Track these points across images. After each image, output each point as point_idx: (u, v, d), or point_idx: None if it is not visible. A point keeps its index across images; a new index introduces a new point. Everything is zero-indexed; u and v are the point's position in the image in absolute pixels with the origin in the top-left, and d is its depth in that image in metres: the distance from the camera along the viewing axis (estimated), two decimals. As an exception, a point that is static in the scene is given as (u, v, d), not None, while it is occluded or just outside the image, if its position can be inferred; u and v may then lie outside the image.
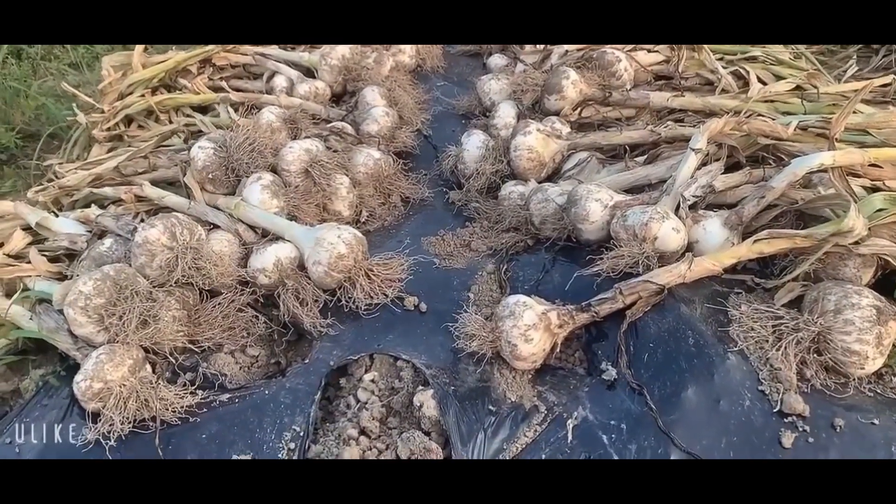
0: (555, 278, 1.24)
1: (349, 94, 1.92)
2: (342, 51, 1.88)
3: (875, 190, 1.19)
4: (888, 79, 1.75)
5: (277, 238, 1.29)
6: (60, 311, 1.14)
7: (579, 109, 1.65)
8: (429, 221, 1.50)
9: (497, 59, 2.13)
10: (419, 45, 2.14)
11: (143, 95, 1.94)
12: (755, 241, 1.11)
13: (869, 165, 1.22)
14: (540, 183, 1.49)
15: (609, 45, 1.78)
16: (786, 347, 1.02)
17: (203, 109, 1.92)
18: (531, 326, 1.05)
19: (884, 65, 2.39)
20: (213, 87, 1.98)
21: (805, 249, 1.10)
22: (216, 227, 1.33)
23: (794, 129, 1.27)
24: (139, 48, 2.03)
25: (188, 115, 1.88)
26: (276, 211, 1.34)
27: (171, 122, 1.88)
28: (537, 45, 1.98)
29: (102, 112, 1.97)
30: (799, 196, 1.18)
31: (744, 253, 1.11)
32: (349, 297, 1.21)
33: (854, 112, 1.36)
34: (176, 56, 1.98)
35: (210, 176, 1.37)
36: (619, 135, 1.49)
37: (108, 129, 1.87)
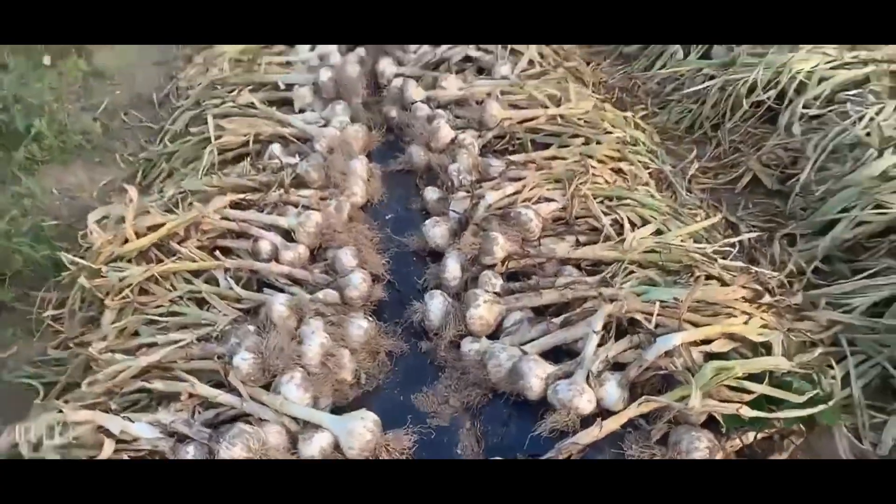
0: (512, 432, 1.83)
1: (321, 248, 2.35)
2: (316, 218, 2.31)
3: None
4: (716, 218, 2.46)
5: (316, 426, 1.78)
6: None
7: (506, 263, 2.22)
8: (411, 375, 2.03)
9: (431, 193, 2.62)
10: (367, 184, 2.59)
11: (140, 263, 2.27)
12: (639, 405, 1.75)
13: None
14: (488, 336, 2.06)
15: (522, 204, 2.34)
16: (659, 479, 1.69)
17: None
18: (508, 487, 1.65)
19: (716, 154, 3.11)
20: (201, 246, 2.34)
21: (669, 406, 1.76)
22: (263, 420, 1.79)
23: (658, 309, 1.91)
24: (130, 217, 2.32)
25: (187, 281, 2.25)
26: (308, 402, 1.82)
27: (173, 287, 2.23)
28: (467, 190, 2.50)
29: (98, 272, 2.27)
30: (664, 363, 1.83)
31: (633, 413, 1.75)
32: (376, 467, 1.74)
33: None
34: (168, 224, 2.30)
35: (252, 379, 1.82)
36: (539, 298, 2.08)
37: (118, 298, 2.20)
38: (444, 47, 3.31)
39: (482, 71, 3.24)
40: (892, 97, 2.73)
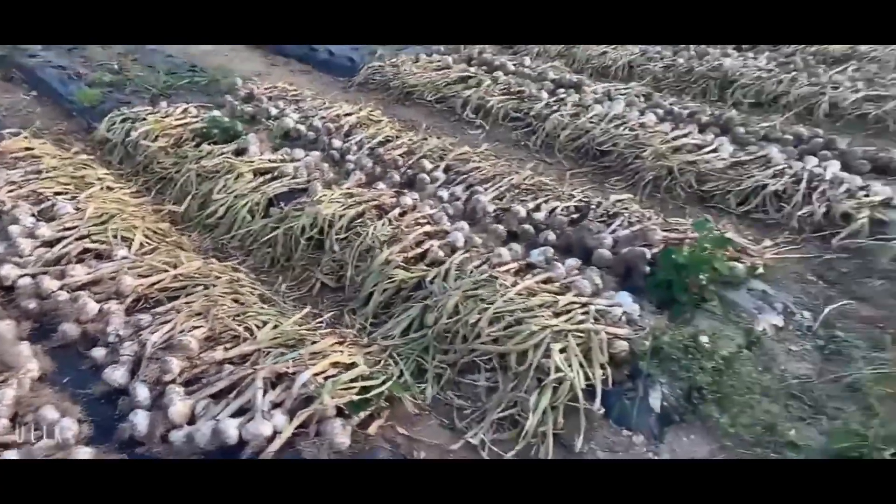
0: (228, 467, 2.74)
1: (20, 417, 2.83)
2: (10, 392, 2.80)
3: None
4: (306, 310, 3.85)
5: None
6: None
7: (182, 375, 3.13)
8: None
9: (98, 352, 3.31)
10: (37, 360, 3.13)
11: None
12: (298, 418, 2.89)
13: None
14: (188, 423, 2.91)
15: (179, 334, 3.28)
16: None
17: None
18: None
19: (294, 276, 4.57)
20: None
21: (315, 411, 2.95)
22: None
23: (291, 363, 3.12)
24: None
25: None
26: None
27: None
28: (131, 339, 3.29)
29: None
30: (305, 391, 3.02)
31: (296, 423, 2.88)
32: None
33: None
34: None
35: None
36: (214, 387, 3.06)
37: None
38: (59, 246, 4.01)
39: (101, 256, 4.05)
40: (379, 219, 4.62)
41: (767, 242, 4.39)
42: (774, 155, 5.13)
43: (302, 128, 6.31)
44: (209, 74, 7.75)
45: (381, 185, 5.21)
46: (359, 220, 4.65)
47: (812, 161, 5.03)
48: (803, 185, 4.73)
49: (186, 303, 3.63)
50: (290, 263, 4.57)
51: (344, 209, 4.75)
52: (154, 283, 3.78)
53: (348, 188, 5.13)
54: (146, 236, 4.33)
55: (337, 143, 6.05)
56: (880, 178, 4.93)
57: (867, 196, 4.59)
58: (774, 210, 4.75)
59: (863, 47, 7.62)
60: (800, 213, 4.58)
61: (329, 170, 5.54)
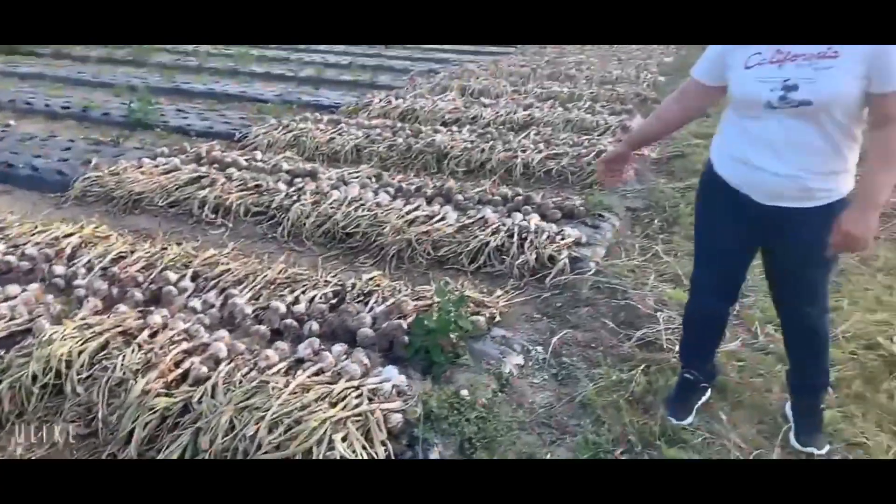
0: None
1: None
2: None
3: None
4: None
5: None
6: None
7: None
8: None
9: None
10: None
11: None
12: None
13: None
14: None
15: None
16: None
17: None
18: None
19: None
20: None
21: None
22: None
23: None
24: None
25: None
26: None
27: None
28: None
29: None
30: None
31: None
32: None
33: None
34: None
35: None
36: None
37: None
38: None
39: None
40: (127, 346, 4.32)
41: (499, 292, 5.09)
42: (489, 215, 6.00)
43: (12, 259, 5.60)
44: None
45: (122, 308, 4.87)
46: (103, 353, 4.30)
47: (518, 216, 5.99)
48: (515, 238, 5.60)
49: None
50: (25, 419, 4.01)
51: (82, 343, 4.35)
52: None
53: (83, 318, 4.70)
54: None
55: (59, 269, 5.49)
56: (569, 223, 6.06)
57: (563, 239, 5.61)
58: (499, 263, 5.54)
59: (537, 113, 9.28)
60: (517, 262, 5.40)
61: (55, 302, 5.00)
